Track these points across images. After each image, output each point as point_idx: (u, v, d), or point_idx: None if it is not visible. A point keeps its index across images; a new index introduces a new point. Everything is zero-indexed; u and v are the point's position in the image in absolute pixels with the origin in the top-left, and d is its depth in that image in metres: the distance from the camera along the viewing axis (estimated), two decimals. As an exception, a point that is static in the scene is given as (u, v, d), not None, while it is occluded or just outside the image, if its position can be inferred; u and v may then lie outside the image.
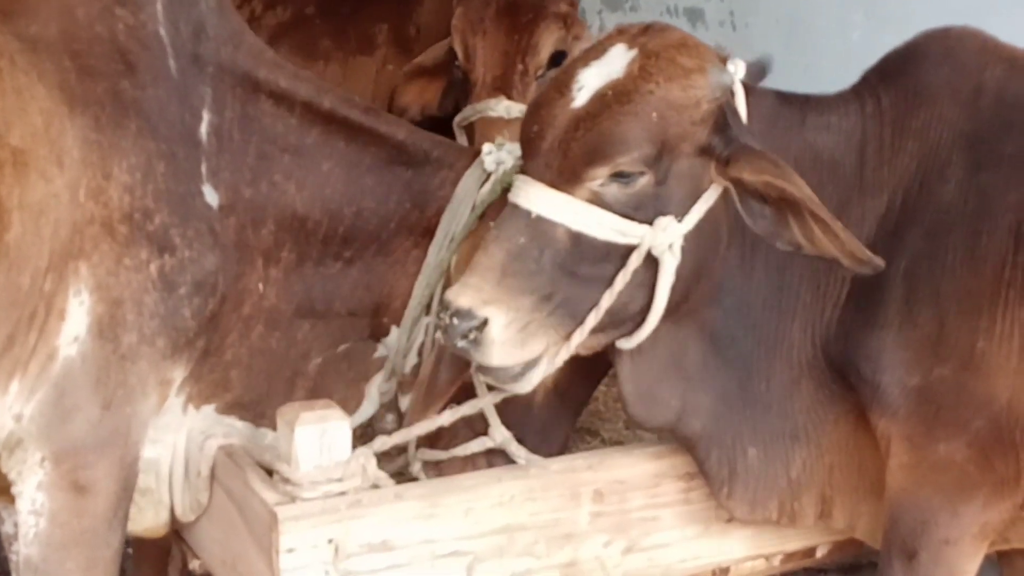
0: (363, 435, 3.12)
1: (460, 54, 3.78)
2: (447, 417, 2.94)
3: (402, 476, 3.10)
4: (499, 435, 3.00)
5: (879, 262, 2.63)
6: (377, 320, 3.11)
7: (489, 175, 3.03)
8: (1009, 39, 2.89)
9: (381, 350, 3.14)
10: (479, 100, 3.70)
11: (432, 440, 3.08)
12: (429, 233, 3.07)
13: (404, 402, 3.17)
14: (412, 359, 3.10)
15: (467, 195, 3.04)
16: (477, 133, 3.68)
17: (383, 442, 2.90)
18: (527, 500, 2.86)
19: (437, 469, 3.08)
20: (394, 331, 3.11)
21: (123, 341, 2.73)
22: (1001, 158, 2.72)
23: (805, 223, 2.62)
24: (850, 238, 2.61)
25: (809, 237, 2.62)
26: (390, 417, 3.21)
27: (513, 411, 2.98)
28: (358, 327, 3.10)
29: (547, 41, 3.73)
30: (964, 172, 2.73)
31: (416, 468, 3.10)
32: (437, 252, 3.03)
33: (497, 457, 3.02)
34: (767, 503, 2.88)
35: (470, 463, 3.05)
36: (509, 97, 3.68)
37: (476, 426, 3.00)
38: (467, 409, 2.91)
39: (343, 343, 3.09)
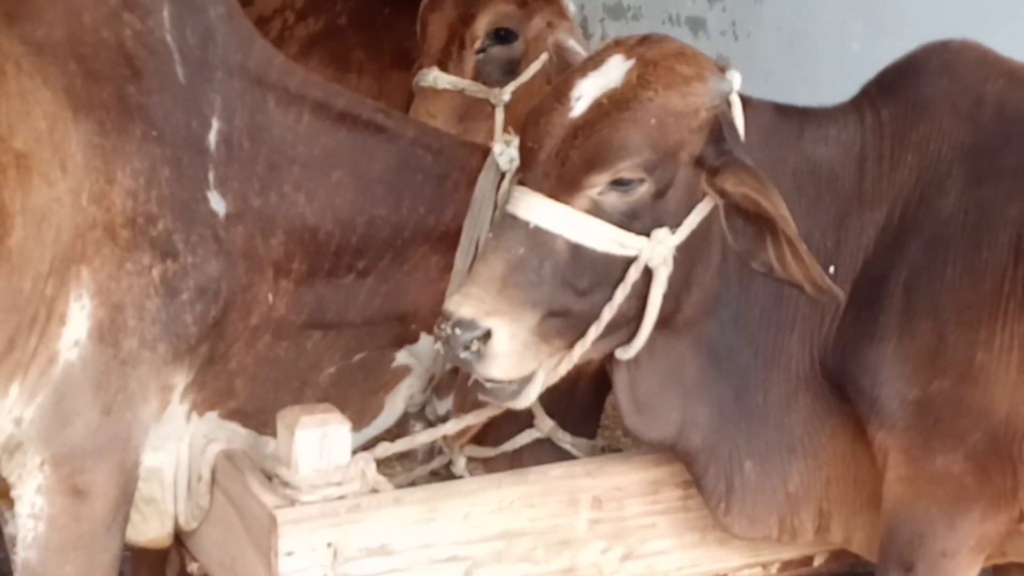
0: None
1: (418, 32, 3.80)
2: (451, 426, 2.94)
3: (436, 476, 3.14)
4: (545, 425, 3.05)
5: (839, 294, 2.63)
6: (403, 327, 3.10)
7: (504, 174, 3.03)
8: (1008, 51, 2.90)
9: (400, 359, 3.13)
10: (418, 71, 3.72)
11: (478, 438, 3.09)
12: (447, 238, 3.05)
13: (441, 407, 3.18)
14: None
15: (485, 197, 3.03)
16: (412, 105, 3.67)
17: (385, 448, 2.91)
18: (526, 506, 2.87)
19: (485, 467, 3.10)
20: (424, 337, 3.09)
21: (124, 346, 2.73)
22: (1001, 171, 2.72)
23: (779, 244, 2.61)
24: (814, 264, 2.60)
25: (781, 260, 2.62)
26: (419, 427, 3.21)
27: (556, 400, 2.98)
28: (375, 335, 3.08)
29: (487, 15, 3.72)
30: (964, 185, 2.73)
31: (460, 467, 3.11)
32: (464, 257, 3.02)
33: (540, 450, 3.05)
34: (767, 519, 2.88)
35: (517, 458, 3.08)
36: (444, 69, 3.68)
37: (520, 420, 3.01)
38: (472, 419, 2.91)
39: (358, 353, 3.08)
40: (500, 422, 3.05)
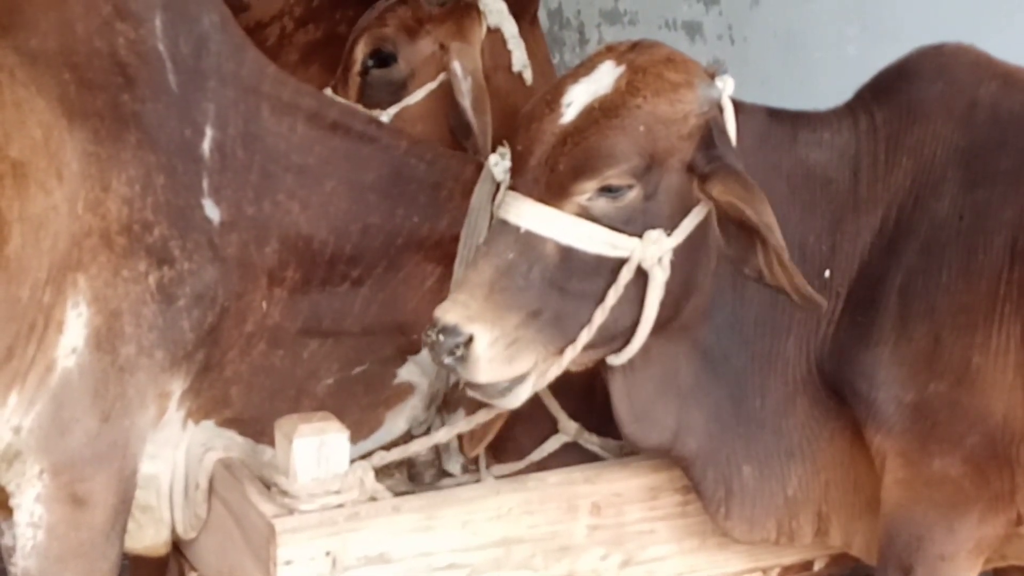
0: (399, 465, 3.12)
1: None
2: (443, 434, 2.94)
3: None
4: (571, 428, 3.05)
5: (822, 302, 2.64)
6: (404, 337, 3.10)
7: (499, 185, 3.03)
8: (1003, 55, 2.90)
9: (403, 376, 3.13)
10: None
11: (497, 452, 3.08)
12: (441, 246, 3.06)
13: (454, 420, 3.18)
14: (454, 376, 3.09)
15: (482, 208, 3.04)
16: None
17: (381, 456, 2.90)
18: (524, 513, 2.87)
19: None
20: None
21: (121, 353, 2.74)
22: (996, 174, 2.72)
23: (768, 252, 2.62)
24: (797, 273, 2.61)
25: (769, 267, 2.62)
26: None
27: (576, 403, 2.97)
28: (376, 347, 3.09)
29: (364, 39, 3.78)
30: (959, 188, 2.73)
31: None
32: (461, 268, 3.02)
33: (566, 455, 3.05)
34: (765, 522, 2.88)
35: (543, 468, 3.06)
36: (334, 90, 3.76)
37: (540, 428, 3.01)
38: (465, 425, 2.90)
39: (359, 365, 3.08)
40: (520, 433, 3.05)
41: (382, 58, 3.77)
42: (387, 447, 3.02)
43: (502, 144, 3.03)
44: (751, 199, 2.61)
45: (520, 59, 3.88)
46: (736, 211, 2.62)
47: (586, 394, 2.90)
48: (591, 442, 3.07)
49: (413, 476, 3.18)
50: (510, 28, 3.88)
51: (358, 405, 3.11)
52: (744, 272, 2.67)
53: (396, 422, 3.18)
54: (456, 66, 3.68)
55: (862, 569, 3.05)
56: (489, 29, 3.85)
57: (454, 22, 3.79)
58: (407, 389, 3.16)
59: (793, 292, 2.63)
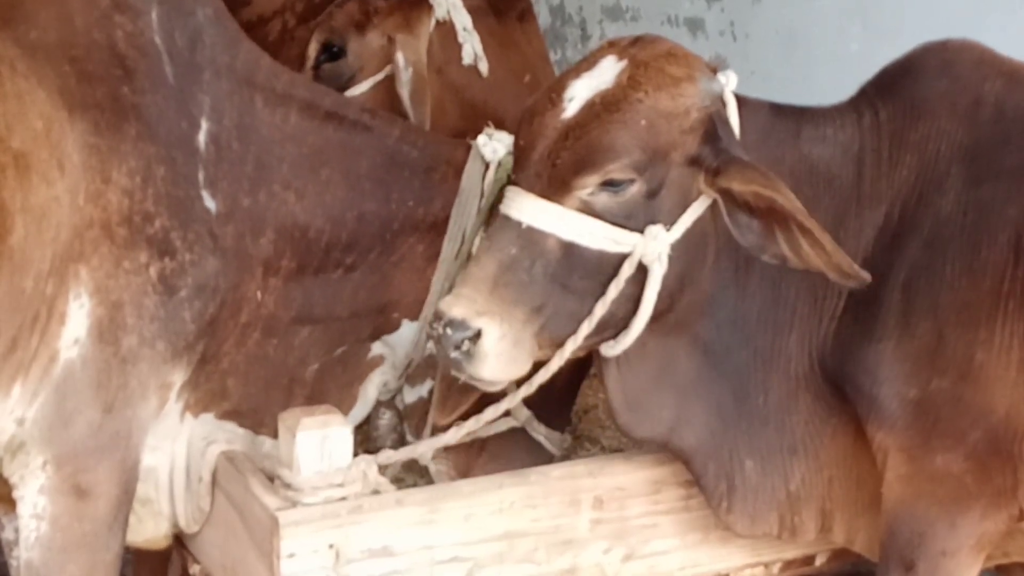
0: (361, 435, 3.14)
1: None
2: (451, 436, 2.94)
3: (410, 470, 3.17)
4: (522, 414, 3.07)
5: (866, 276, 2.64)
6: (384, 316, 3.12)
7: (488, 164, 3.06)
8: (1006, 51, 2.90)
9: (376, 350, 3.15)
10: None
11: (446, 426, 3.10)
12: (435, 228, 3.09)
13: (410, 394, 3.19)
14: (430, 348, 3.09)
15: (473, 187, 3.07)
16: None
17: (387, 455, 2.90)
18: (527, 506, 2.87)
19: (448, 452, 3.10)
20: (404, 325, 3.12)
21: (123, 344, 2.74)
22: (1000, 171, 2.72)
23: (792, 235, 2.63)
24: (838, 250, 2.62)
25: (796, 250, 2.63)
26: (388, 414, 3.24)
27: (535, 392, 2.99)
28: (358, 328, 3.10)
29: (318, 32, 3.85)
30: (963, 185, 2.73)
31: (427, 457, 3.12)
32: (451, 245, 3.06)
33: (509, 439, 3.07)
34: (767, 517, 2.89)
35: (483, 447, 3.08)
36: None
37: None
38: (472, 425, 2.91)
39: (341, 346, 3.10)
40: (474, 409, 3.05)
41: (332, 53, 3.82)
42: (394, 446, 3.03)
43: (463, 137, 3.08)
44: (776, 186, 2.62)
45: (470, 52, 3.89)
46: (764, 200, 2.62)
47: (546, 385, 2.92)
48: (538, 431, 3.11)
49: (374, 440, 3.21)
50: (461, 20, 3.89)
51: (337, 385, 3.13)
52: (763, 258, 2.67)
53: (368, 394, 3.19)
54: (399, 57, 3.71)
55: (864, 565, 3.05)
56: (439, 22, 3.87)
57: (401, 15, 3.84)
58: (377, 361, 3.18)
59: (834, 271, 2.63)
